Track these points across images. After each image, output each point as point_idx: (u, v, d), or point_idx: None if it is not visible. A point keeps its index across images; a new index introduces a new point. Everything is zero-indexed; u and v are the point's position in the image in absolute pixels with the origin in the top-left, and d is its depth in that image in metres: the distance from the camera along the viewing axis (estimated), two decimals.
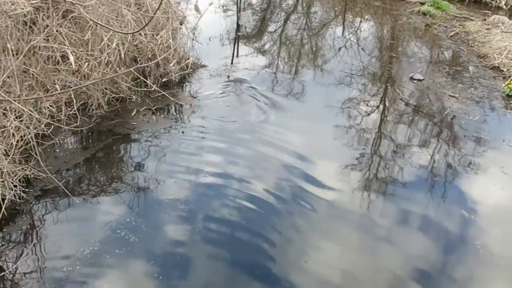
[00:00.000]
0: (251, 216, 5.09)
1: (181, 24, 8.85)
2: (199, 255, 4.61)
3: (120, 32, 5.97)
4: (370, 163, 6.01)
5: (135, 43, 7.16)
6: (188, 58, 7.97)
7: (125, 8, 6.94)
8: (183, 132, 6.43)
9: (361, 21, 11.82)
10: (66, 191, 5.06)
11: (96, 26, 5.94)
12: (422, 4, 12.24)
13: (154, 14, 5.28)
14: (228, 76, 7.97)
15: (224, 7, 11.84)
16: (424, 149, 6.34)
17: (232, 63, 8.56)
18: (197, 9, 9.49)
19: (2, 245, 4.60)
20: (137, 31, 5.68)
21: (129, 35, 6.92)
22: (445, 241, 4.91)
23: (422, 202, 5.40)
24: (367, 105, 7.39)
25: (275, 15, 12.20)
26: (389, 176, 5.82)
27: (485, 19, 11.02)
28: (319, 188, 5.48)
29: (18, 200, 4.95)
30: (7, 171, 4.91)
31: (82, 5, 5.95)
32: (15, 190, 4.94)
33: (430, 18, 11.49)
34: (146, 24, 3.54)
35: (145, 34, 7.22)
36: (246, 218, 5.06)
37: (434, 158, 6.16)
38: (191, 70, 7.92)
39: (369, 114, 7.12)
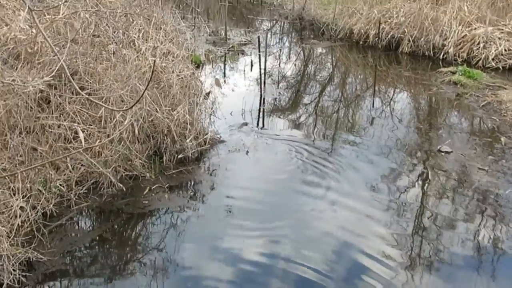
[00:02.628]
0: None
1: (205, 98, 8.94)
2: None
3: (112, 109, 5.99)
4: (415, 242, 5.78)
5: (150, 119, 7.19)
6: (206, 134, 7.96)
7: (140, 85, 7.03)
8: (200, 211, 6.30)
9: (393, 92, 11.79)
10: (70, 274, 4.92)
11: (107, 103, 5.99)
12: (453, 73, 12.13)
13: (147, 85, 5.26)
14: (247, 152, 7.87)
15: (248, 81, 11.97)
16: (456, 226, 6.06)
17: (254, 137, 8.49)
18: (217, 83, 9.60)
19: None
20: (129, 108, 5.67)
21: (144, 111, 6.97)
22: None
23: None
24: (398, 180, 7.20)
25: (306, 87, 12.27)
26: (435, 254, 5.56)
27: None
28: (368, 269, 5.26)
29: (16, 285, 4.83)
30: (6, 254, 4.82)
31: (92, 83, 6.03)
32: (14, 274, 4.83)
33: (461, 87, 11.33)
34: (137, 101, 3.48)
35: (161, 110, 7.26)
36: None
37: (467, 236, 5.87)
38: (209, 145, 7.88)
39: (400, 190, 6.88)
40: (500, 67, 12.83)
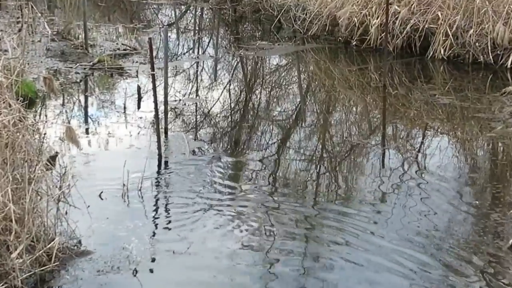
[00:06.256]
0: None
1: (48, 168, 8.94)
2: None
3: None
4: None
5: None
6: (52, 239, 7.93)
7: None
8: None
9: (421, 138, 12.04)
10: None
11: None
12: None
13: None
14: (135, 271, 7.86)
15: (134, 128, 12.05)
16: None
17: (148, 241, 8.50)
18: (71, 136, 9.51)
19: None
20: None
21: None
22: None
23: None
24: None
25: (252, 135, 12.42)
26: None
27: None
28: None
29: None
30: None
31: None
32: None
33: None
34: None
35: None
36: None
37: None
38: (58, 263, 7.84)
39: None
40: None
